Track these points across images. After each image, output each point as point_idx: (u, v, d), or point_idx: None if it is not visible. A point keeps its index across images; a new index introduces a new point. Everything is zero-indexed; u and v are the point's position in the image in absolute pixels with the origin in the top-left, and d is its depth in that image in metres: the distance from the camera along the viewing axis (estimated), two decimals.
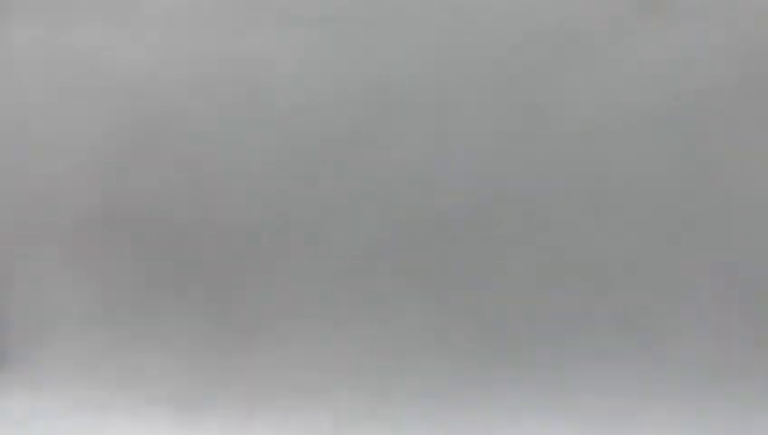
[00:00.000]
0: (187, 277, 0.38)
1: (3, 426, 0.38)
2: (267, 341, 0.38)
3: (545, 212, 0.37)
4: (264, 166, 0.38)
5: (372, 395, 0.38)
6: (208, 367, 0.39)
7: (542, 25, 0.37)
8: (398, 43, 0.37)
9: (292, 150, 0.38)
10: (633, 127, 0.37)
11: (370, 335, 0.38)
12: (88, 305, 0.38)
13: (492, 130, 0.37)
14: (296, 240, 0.38)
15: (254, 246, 0.38)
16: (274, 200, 0.38)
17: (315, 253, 0.38)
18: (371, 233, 0.37)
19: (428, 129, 0.38)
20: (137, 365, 0.39)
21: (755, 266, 0.36)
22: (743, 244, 0.36)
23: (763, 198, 0.36)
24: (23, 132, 0.39)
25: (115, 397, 0.38)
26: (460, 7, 0.37)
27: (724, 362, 0.37)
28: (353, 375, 0.38)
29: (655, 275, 0.37)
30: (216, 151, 0.39)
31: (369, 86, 0.38)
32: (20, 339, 0.38)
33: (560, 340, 0.37)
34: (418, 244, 0.37)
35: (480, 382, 0.38)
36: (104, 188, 0.37)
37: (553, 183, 0.37)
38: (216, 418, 0.38)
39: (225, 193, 0.38)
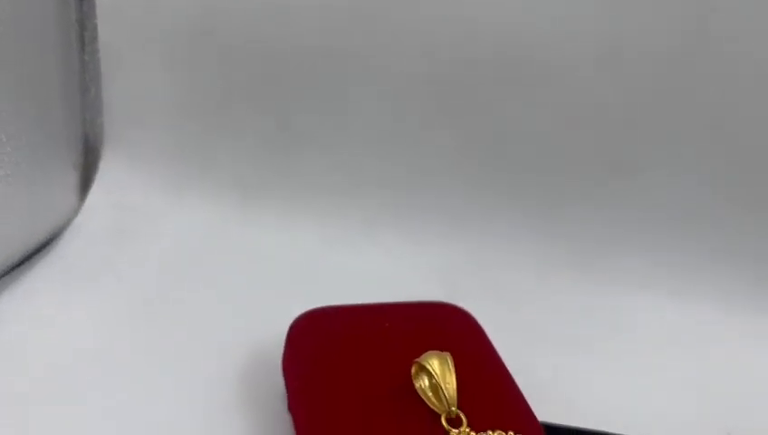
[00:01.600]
0: (259, 89, 0.46)
1: (101, 195, 0.48)
2: (316, 148, 0.46)
3: (559, 67, 0.42)
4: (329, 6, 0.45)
5: (397, 204, 0.46)
6: (269, 164, 0.47)
7: None
8: None
9: None
10: None
11: (401, 154, 0.45)
12: (178, 101, 0.47)
13: None
14: (351, 69, 0.45)
15: (316, 70, 0.45)
16: (338, 33, 0.44)
17: (364, 80, 0.44)
18: (414, 67, 0.44)
19: None
20: (212, 155, 0.48)
21: (740, 126, 0.42)
22: (731, 105, 0.41)
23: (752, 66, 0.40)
24: None
25: (193, 180, 0.48)
26: None
27: (706, 209, 0.43)
28: (382, 186, 0.46)
29: (650, 129, 0.43)
30: None
31: None
32: (120, 121, 0.47)
33: (560, 180, 0.44)
34: (452, 81, 0.44)
35: (487, 206, 0.45)
36: (203, 4, 0.44)
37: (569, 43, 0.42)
38: (272, 207, 0.47)
39: (301, 22, 0.44)
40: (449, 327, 0.35)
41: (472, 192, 0.45)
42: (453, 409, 0.29)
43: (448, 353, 0.30)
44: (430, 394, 0.30)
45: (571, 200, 0.44)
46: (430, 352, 0.30)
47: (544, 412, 0.32)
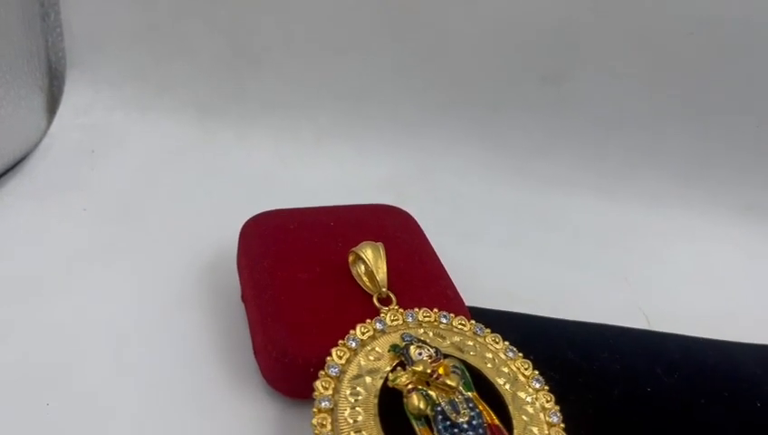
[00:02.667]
0: (211, 10, 0.47)
1: (67, 116, 0.50)
2: (270, 68, 0.48)
3: None
4: None
5: (348, 117, 0.49)
6: (225, 84, 0.49)
7: None
8: None
9: None
10: None
11: (350, 69, 0.48)
12: (135, 25, 0.48)
13: None
14: None
15: None
16: None
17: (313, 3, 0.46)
18: None
19: None
20: (171, 76, 0.50)
21: (665, 37, 0.44)
22: (655, 17, 0.44)
23: None
24: None
25: (154, 99, 0.50)
26: None
27: (634, 115, 0.46)
28: (334, 100, 0.49)
29: (581, 40, 0.45)
30: None
31: None
32: (81, 45, 0.49)
33: (499, 90, 0.47)
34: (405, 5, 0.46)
35: (432, 116, 0.48)
36: None
37: None
38: (229, 123, 0.50)
39: None
40: (387, 224, 0.38)
41: (417, 104, 0.48)
42: (384, 290, 0.33)
43: (381, 243, 0.34)
44: (365, 279, 0.33)
45: (510, 108, 0.47)
46: (365, 242, 0.34)
47: (476, 299, 0.36)
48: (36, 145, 0.47)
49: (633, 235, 0.46)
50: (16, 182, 0.44)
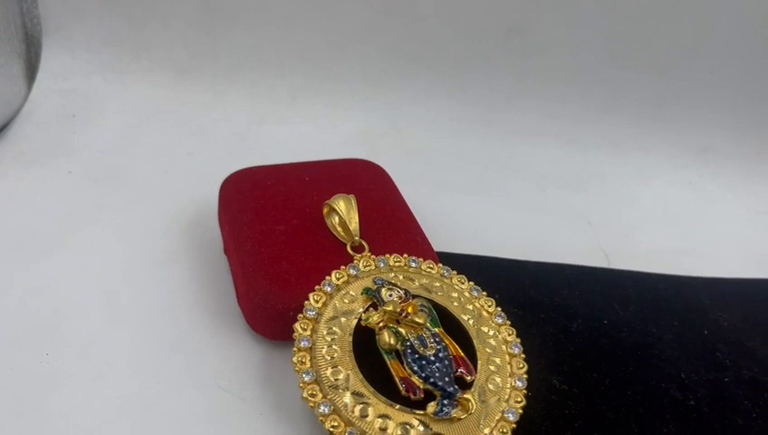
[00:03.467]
0: None
1: (46, 82, 0.51)
2: (243, 28, 0.50)
3: None
4: None
5: (320, 74, 0.51)
6: (200, 45, 0.51)
7: None
8: None
9: None
10: None
11: (323, 28, 0.49)
12: None
13: None
14: None
15: None
16: None
17: None
18: None
19: None
20: (147, 40, 0.51)
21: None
22: None
23: None
24: None
25: (131, 63, 0.51)
26: None
27: (595, 66, 0.48)
28: (307, 58, 0.50)
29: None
30: None
31: None
32: (57, 12, 0.49)
33: (464, 47, 0.49)
34: None
35: (402, 72, 0.50)
36: None
37: None
38: (205, 83, 0.51)
39: None
40: (360, 177, 0.40)
41: (387, 60, 0.50)
42: (356, 239, 0.35)
43: (353, 196, 0.36)
44: (339, 229, 0.36)
45: (475, 62, 0.49)
46: (338, 195, 0.36)
47: (445, 244, 0.39)
48: (17, 111, 0.49)
49: (595, 179, 0.49)
50: (0, 148, 0.45)
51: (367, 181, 0.40)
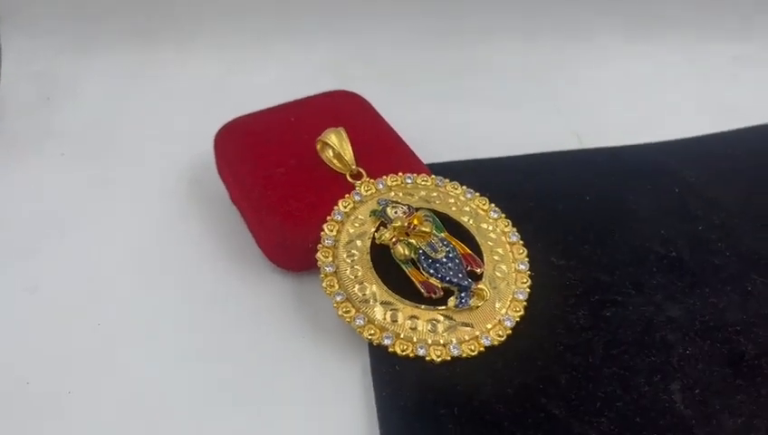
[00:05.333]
0: None
1: (13, 68, 0.51)
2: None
3: None
4: None
5: (283, 12, 0.52)
6: (158, 6, 0.51)
7: None
8: None
9: None
10: None
11: None
12: None
13: None
14: None
15: None
16: None
17: None
18: None
19: None
20: (105, 11, 0.51)
21: None
22: None
23: None
24: None
25: (96, 36, 0.52)
26: None
27: None
28: None
29: None
30: None
31: None
32: None
33: None
34: None
35: None
36: None
37: None
38: (172, 42, 0.52)
39: None
40: (342, 109, 0.42)
41: None
42: (353, 167, 0.38)
43: (342, 127, 0.39)
44: (335, 161, 0.38)
45: None
46: (328, 129, 0.39)
47: (432, 155, 0.41)
48: None
49: (557, 67, 0.51)
50: None
51: (350, 111, 0.42)
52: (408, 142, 0.41)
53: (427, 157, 0.40)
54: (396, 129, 0.42)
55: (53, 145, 0.47)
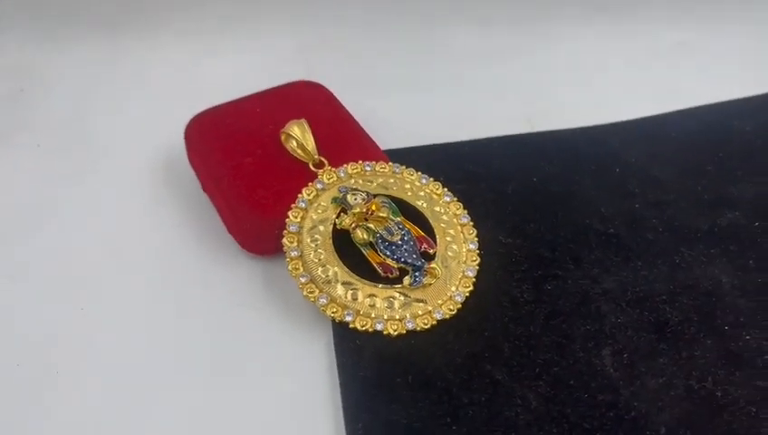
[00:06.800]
0: None
1: None
2: None
3: None
4: None
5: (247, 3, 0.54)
6: None
7: None
8: None
9: None
10: None
11: None
12: None
13: None
14: None
15: None
16: None
17: None
18: None
19: None
20: (73, 4, 0.53)
21: None
22: None
23: None
24: None
25: (63, 29, 0.53)
26: None
27: None
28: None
29: None
30: None
31: None
32: None
33: None
34: None
35: None
36: None
37: None
38: (139, 34, 0.54)
39: None
40: (305, 99, 0.45)
41: None
42: (316, 157, 0.41)
43: (304, 120, 0.41)
44: (299, 151, 0.41)
45: None
46: (291, 121, 0.41)
47: (391, 141, 0.44)
48: None
49: (509, 52, 0.54)
50: None
51: (312, 102, 0.45)
52: (367, 128, 0.44)
53: (386, 142, 0.43)
54: (356, 115, 0.44)
55: (28, 137, 0.49)
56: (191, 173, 0.44)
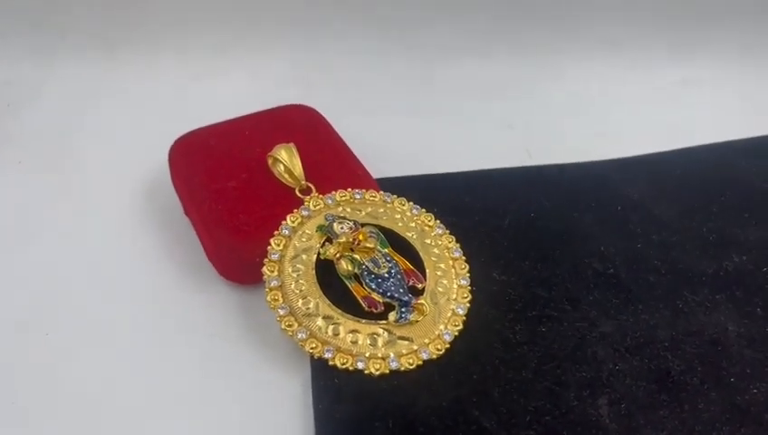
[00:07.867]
0: None
1: None
2: None
3: None
4: None
5: (244, 26, 0.53)
6: (124, 12, 0.52)
7: None
8: None
9: None
10: None
11: None
12: None
13: None
14: None
15: None
16: None
17: None
18: None
19: None
20: (71, 17, 0.51)
21: None
22: None
23: None
24: None
25: (57, 44, 0.52)
26: None
27: None
28: (230, 11, 0.52)
29: None
30: None
31: None
32: None
33: None
34: None
35: (322, 10, 0.53)
36: None
37: None
38: (135, 52, 0.53)
39: None
40: (296, 123, 0.43)
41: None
42: (303, 182, 0.39)
43: (292, 144, 0.39)
44: (286, 176, 0.39)
45: None
46: (278, 145, 0.39)
47: (383, 169, 0.43)
48: None
49: (512, 85, 0.53)
50: None
51: (303, 126, 0.43)
52: (361, 156, 0.42)
53: (379, 170, 0.42)
54: (349, 142, 0.43)
55: (10, 153, 0.47)
56: (175, 196, 0.42)
